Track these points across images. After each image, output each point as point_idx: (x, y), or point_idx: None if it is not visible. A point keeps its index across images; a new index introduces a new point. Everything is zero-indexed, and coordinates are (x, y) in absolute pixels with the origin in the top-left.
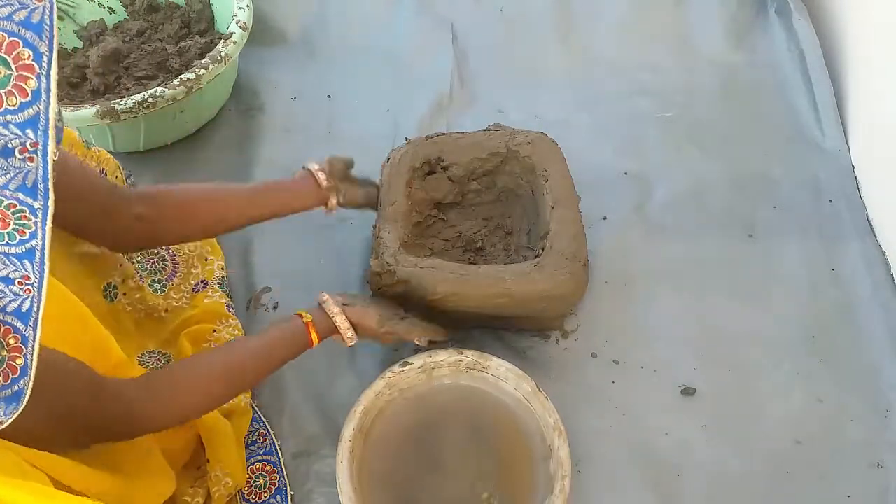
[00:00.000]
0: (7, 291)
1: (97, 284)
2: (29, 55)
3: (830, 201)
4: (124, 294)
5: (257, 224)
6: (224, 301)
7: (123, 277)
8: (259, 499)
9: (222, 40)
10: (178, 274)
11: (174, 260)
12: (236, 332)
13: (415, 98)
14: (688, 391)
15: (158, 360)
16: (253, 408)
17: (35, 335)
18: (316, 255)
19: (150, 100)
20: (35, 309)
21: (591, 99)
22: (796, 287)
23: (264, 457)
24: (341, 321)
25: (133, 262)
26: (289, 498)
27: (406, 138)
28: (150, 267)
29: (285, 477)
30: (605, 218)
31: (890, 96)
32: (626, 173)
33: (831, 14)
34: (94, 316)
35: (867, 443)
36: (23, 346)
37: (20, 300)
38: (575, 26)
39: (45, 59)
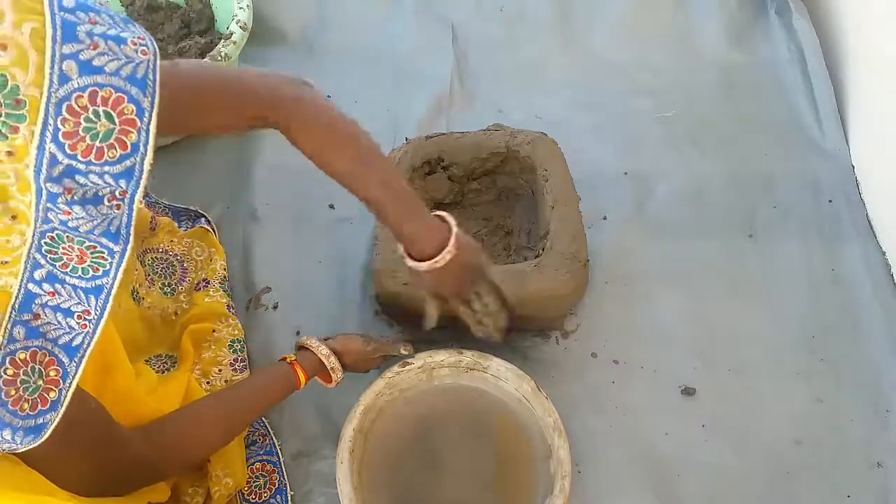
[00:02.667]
0: (63, 324)
1: (126, 289)
2: (132, 110)
3: (830, 201)
4: (143, 298)
5: (257, 223)
6: (224, 301)
7: (139, 283)
8: (259, 499)
9: (222, 40)
10: (188, 278)
11: (183, 265)
12: (236, 331)
13: (415, 98)
14: (688, 391)
15: (165, 362)
16: None
17: (77, 372)
18: (316, 255)
19: None
20: (85, 345)
21: (591, 99)
22: (796, 287)
23: (264, 457)
24: (323, 351)
25: (144, 266)
26: (289, 498)
27: (406, 138)
28: (161, 271)
29: (285, 477)
30: (605, 218)
31: (890, 96)
32: (626, 173)
33: (831, 14)
34: (128, 320)
35: (867, 443)
36: (61, 381)
37: (73, 335)
38: (575, 26)
39: (146, 114)
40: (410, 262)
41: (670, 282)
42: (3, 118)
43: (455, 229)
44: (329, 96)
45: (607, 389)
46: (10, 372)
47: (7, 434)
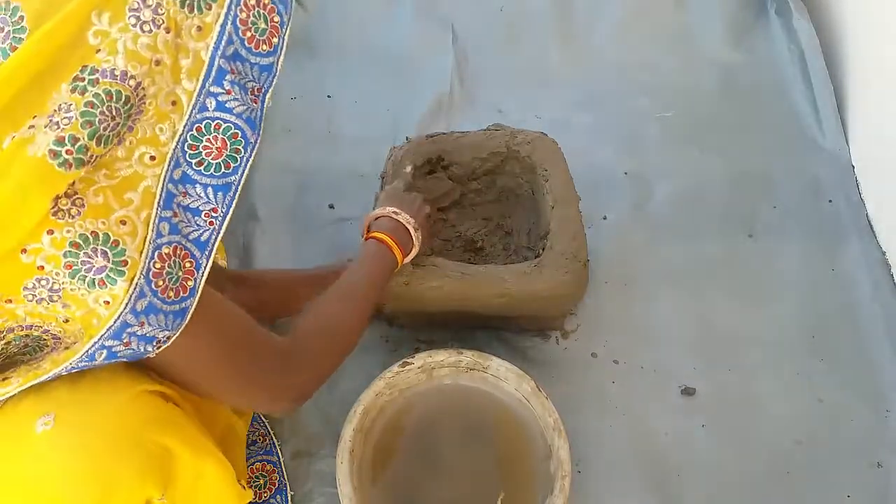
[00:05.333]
0: (192, 222)
1: None
2: (278, 19)
3: (830, 201)
4: None
5: (257, 223)
6: None
7: None
8: (259, 499)
9: None
10: None
11: None
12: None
13: (415, 98)
14: (688, 391)
15: None
16: None
17: (207, 264)
18: (316, 255)
19: None
20: (213, 240)
21: (591, 99)
22: (796, 287)
23: (264, 457)
24: (404, 217)
25: None
26: (289, 498)
27: (406, 138)
28: None
29: (285, 477)
30: (605, 218)
31: (890, 96)
32: (626, 173)
33: (831, 14)
34: None
35: (867, 443)
36: (195, 271)
37: (202, 231)
38: (575, 26)
39: (285, 25)
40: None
41: (670, 282)
42: None
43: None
44: (329, 96)
45: (607, 389)
46: (157, 265)
47: (160, 319)
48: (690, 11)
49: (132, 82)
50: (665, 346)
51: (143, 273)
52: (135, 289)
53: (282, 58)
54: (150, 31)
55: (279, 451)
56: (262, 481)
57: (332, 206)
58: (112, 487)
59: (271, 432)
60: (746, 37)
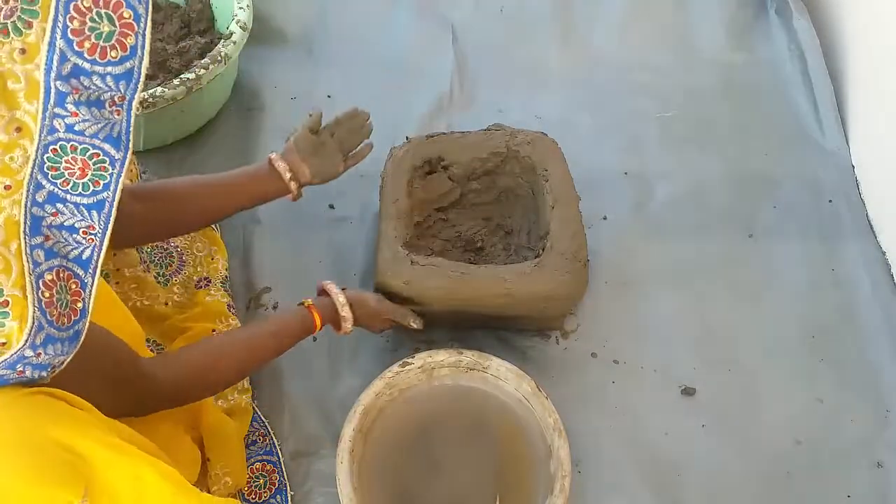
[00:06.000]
0: (70, 240)
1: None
2: (130, 15)
3: (830, 201)
4: (117, 283)
5: (257, 224)
6: (226, 301)
7: (118, 266)
8: (259, 499)
9: (222, 40)
10: (184, 272)
11: (181, 257)
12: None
13: (415, 98)
14: (688, 391)
15: (153, 348)
16: (253, 408)
17: (93, 282)
18: (316, 255)
19: (150, 100)
20: (95, 257)
21: (591, 99)
22: (796, 287)
23: (264, 457)
24: (340, 299)
25: (141, 252)
26: (289, 498)
27: (406, 137)
28: (158, 260)
29: (285, 477)
30: (605, 218)
31: (890, 96)
32: (626, 173)
33: (831, 14)
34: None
35: (867, 443)
36: (82, 291)
37: (82, 248)
38: (575, 26)
39: (142, 19)
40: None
41: (670, 282)
42: (18, 13)
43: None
44: (329, 96)
45: (607, 389)
46: (46, 294)
47: (57, 347)
48: (690, 11)
49: None
50: (665, 346)
51: (36, 305)
52: (33, 324)
53: (145, 59)
54: None
55: (279, 451)
56: (262, 481)
57: (332, 206)
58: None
59: (271, 432)
60: (746, 37)
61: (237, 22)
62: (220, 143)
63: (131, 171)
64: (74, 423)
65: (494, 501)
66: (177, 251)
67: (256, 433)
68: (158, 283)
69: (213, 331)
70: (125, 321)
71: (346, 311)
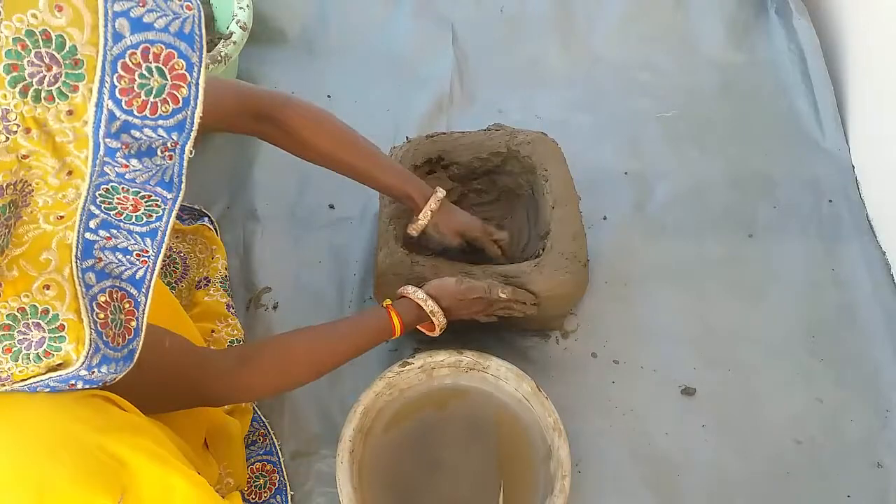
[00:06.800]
0: (124, 261)
1: None
2: (182, 65)
3: (830, 201)
4: None
5: (257, 223)
6: (225, 301)
7: None
8: (259, 499)
9: (222, 40)
10: (189, 275)
11: (185, 262)
12: (235, 332)
13: (415, 98)
14: (688, 391)
15: None
16: (253, 408)
17: (146, 301)
18: (316, 255)
19: None
20: (148, 278)
21: (591, 99)
22: (796, 287)
23: (264, 457)
24: (419, 294)
25: None
26: (289, 498)
27: (406, 137)
28: (162, 269)
29: (285, 477)
30: (605, 218)
31: (890, 96)
32: (626, 173)
33: (831, 14)
34: None
35: (867, 443)
36: (135, 310)
37: (135, 269)
38: (575, 26)
39: (195, 68)
40: (417, 226)
41: (670, 282)
42: (63, 78)
43: (439, 195)
44: (329, 96)
45: (607, 389)
46: (101, 316)
47: (112, 367)
48: (690, 11)
49: (8, 190)
50: (665, 346)
51: (93, 328)
52: (90, 346)
53: (198, 109)
54: (6, 139)
55: (279, 451)
56: (262, 481)
57: (332, 206)
58: (46, 491)
59: (271, 432)
60: (746, 37)
61: (237, 22)
62: (221, 144)
63: None
64: (123, 430)
65: (494, 501)
66: (180, 256)
67: (256, 433)
68: None
69: (213, 331)
70: (184, 323)
71: (431, 305)
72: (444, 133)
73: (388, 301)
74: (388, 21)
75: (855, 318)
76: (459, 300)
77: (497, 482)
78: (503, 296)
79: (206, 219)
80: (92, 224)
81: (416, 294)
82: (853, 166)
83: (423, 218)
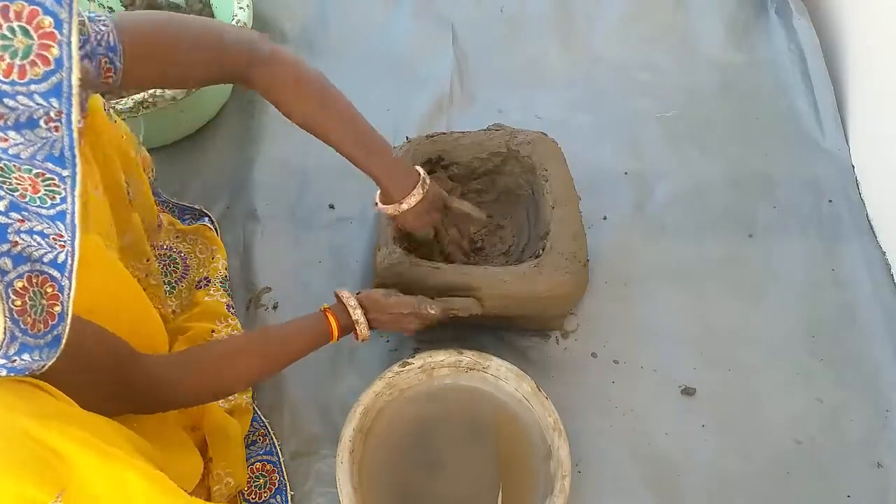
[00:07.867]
0: (44, 244)
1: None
2: (49, 23)
3: (830, 201)
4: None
5: (257, 223)
6: (225, 301)
7: (146, 273)
8: (259, 499)
9: None
10: (189, 275)
11: (185, 262)
12: (235, 332)
13: (415, 98)
14: (688, 391)
15: None
16: (253, 408)
17: (71, 284)
18: (316, 254)
19: (150, 100)
20: (70, 262)
21: (591, 99)
22: (796, 287)
23: (264, 457)
24: (351, 302)
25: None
26: (289, 498)
27: (406, 137)
28: (162, 269)
29: (285, 477)
30: (605, 218)
31: (890, 96)
32: (626, 173)
33: (831, 14)
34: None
35: (867, 443)
36: (59, 294)
37: (56, 252)
38: (575, 26)
39: (65, 25)
40: (379, 206)
41: (670, 282)
42: None
43: (423, 175)
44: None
45: (607, 389)
46: (17, 303)
47: (35, 355)
48: (690, 11)
49: None
50: (665, 346)
51: (7, 315)
52: (5, 335)
53: (74, 69)
54: None
55: (279, 451)
56: (262, 481)
57: (332, 206)
58: None
59: (271, 432)
60: (746, 37)
61: (237, 22)
62: (221, 143)
63: (148, 169)
64: (56, 420)
65: (494, 501)
66: (180, 256)
67: (256, 433)
68: (165, 292)
69: (213, 331)
70: (146, 317)
71: (357, 314)
72: (444, 133)
73: (327, 305)
74: (388, 21)
75: (855, 318)
76: (388, 314)
77: (497, 482)
78: (432, 311)
79: (206, 219)
80: (1, 206)
81: (349, 301)
82: (853, 166)
83: (396, 211)
